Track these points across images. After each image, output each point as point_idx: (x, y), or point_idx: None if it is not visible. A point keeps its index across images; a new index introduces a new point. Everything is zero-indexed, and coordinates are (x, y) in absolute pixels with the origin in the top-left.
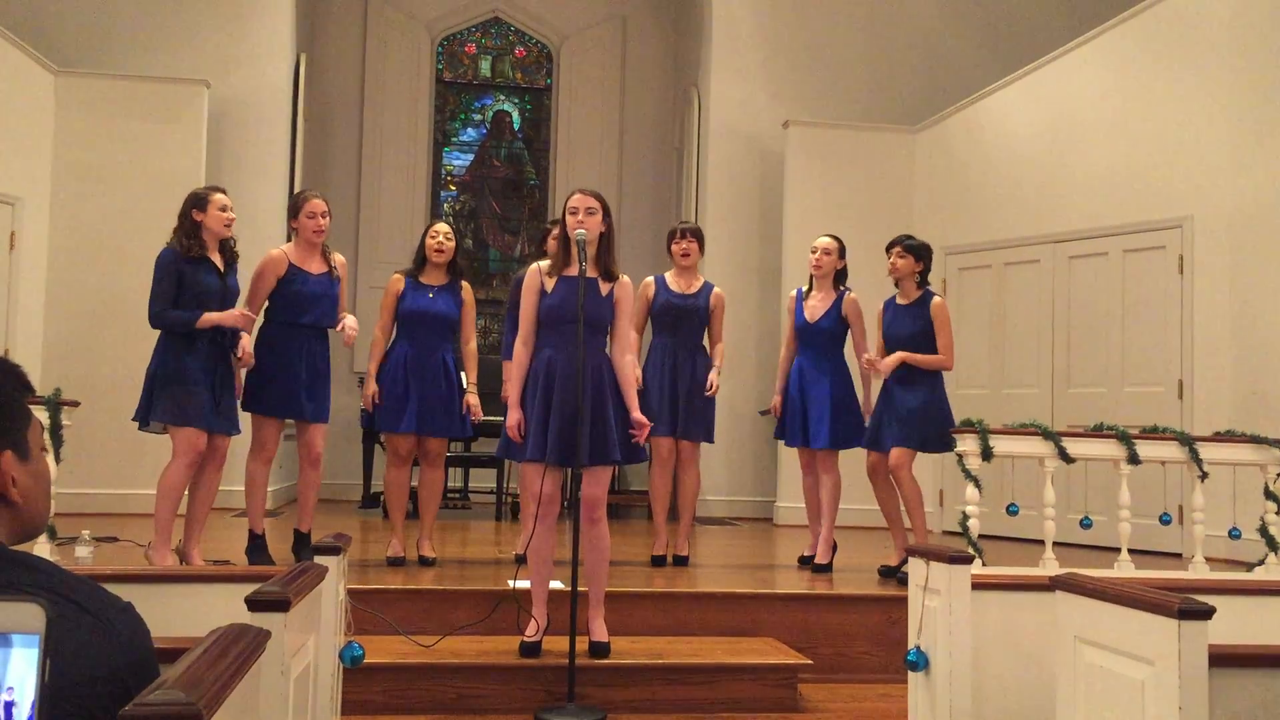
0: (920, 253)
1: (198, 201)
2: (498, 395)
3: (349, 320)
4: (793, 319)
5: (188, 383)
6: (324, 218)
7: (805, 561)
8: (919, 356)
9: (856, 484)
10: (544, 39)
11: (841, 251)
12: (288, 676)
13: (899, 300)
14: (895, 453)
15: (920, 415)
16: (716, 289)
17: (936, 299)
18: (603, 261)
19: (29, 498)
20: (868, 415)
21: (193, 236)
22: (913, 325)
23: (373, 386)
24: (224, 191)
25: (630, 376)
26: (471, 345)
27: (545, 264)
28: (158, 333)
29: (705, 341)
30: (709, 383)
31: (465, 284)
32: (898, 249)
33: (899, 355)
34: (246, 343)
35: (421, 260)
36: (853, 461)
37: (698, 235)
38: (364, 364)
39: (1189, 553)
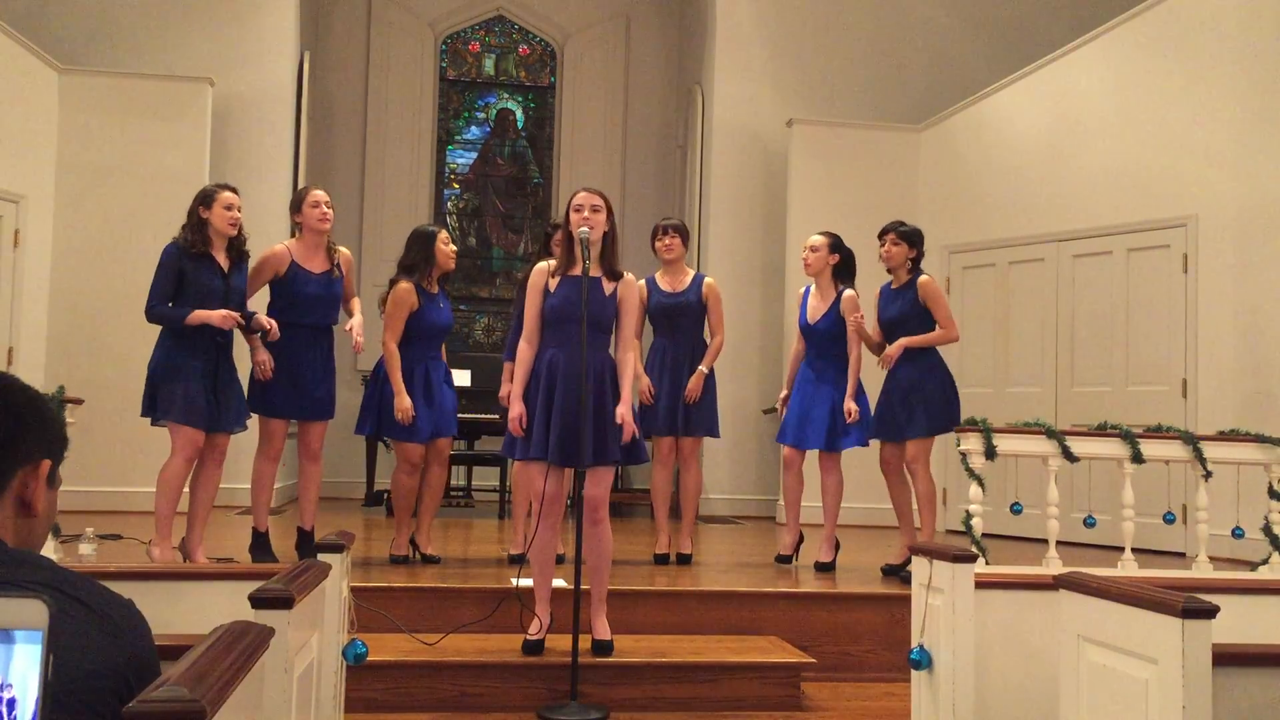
0: (913, 239)
1: (205, 198)
2: (498, 394)
3: (356, 324)
4: (798, 316)
5: (186, 379)
6: (327, 207)
7: (783, 560)
8: (919, 338)
9: (858, 483)
10: (548, 37)
11: (833, 247)
12: (291, 674)
13: (892, 286)
14: (911, 446)
15: (925, 397)
16: (708, 279)
17: (923, 277)
18: (606, 261)
19: (42, 520)
20: (851, 408)
21: (197, 233)
22: (900, 309)
23: (407, 400)
24: (234, 190)
25: (629, 374)
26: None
27: (551, 263)
28: (159, 330)
29: (707, 335)
30: (688, 387)
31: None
32: (890, 236)
33: (900, 343)
34: (262, 320)
35: (429, 268)
36: (853, 461)
37: (680, 230)
38: (366, 362)
39: (1193, 552)
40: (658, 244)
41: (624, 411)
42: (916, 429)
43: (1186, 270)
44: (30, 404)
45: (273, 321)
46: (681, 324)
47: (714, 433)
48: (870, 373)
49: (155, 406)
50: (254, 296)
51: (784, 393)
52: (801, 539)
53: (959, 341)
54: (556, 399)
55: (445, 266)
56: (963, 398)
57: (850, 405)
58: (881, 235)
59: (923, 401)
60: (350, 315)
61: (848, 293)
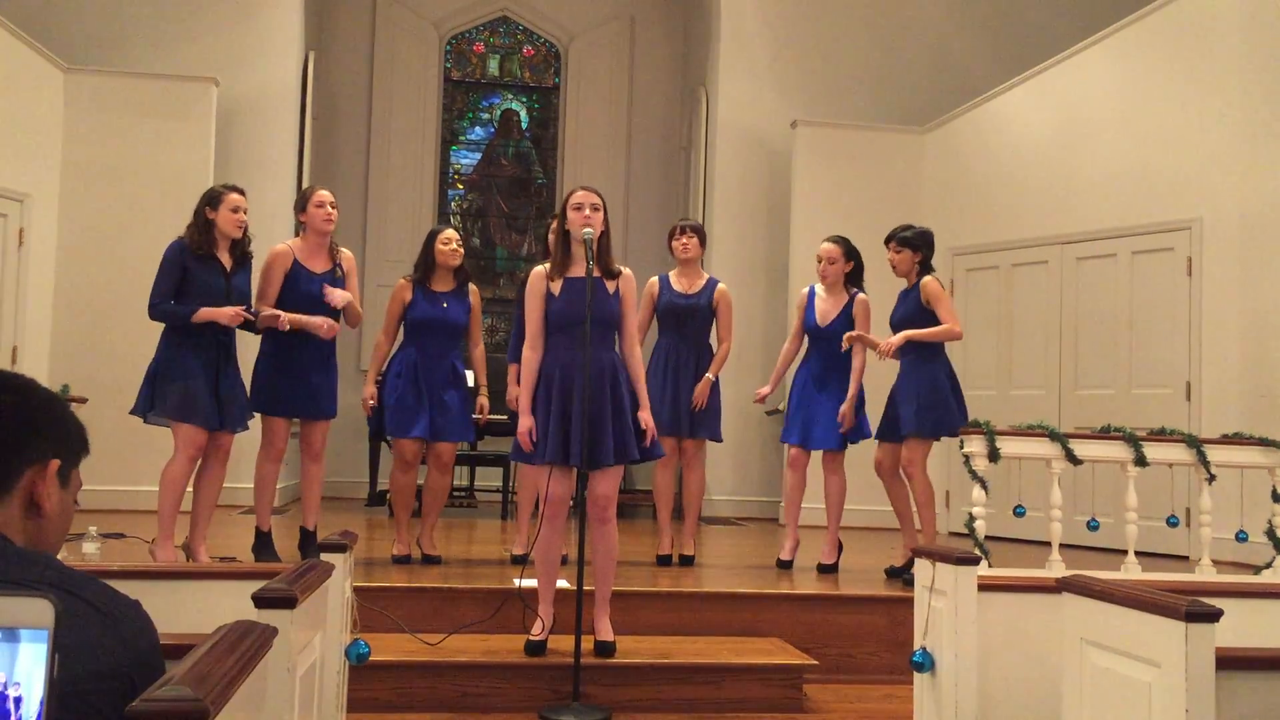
0: (915, 243)
1: (212, 199)
2: (504, 395)
3: (337, 292)
4: (801, 317)
5: (188, 378)
6: (332, 207)
7: (784, 565)
8: (920, 331)
9: (860, 485)
10: (552, 38)
11: (847, 254)
12: (294, 673)
13: (905, 288)
14: (906, 449)
15: (914, 398)
16: (721, 285)
17: (925, 278)
18: (603, 260)
19: (52, 521)
20: (846, 413)
21: (203, 233)
22: (905, 310)
23: (371, 389)
24: (241, 192)
25: (641, 372)
26: (480, 349)
27: (548, 265)
28: (161, 328)
29: (713, 340)
30: (695, 394)
31: (473, 287)
32: (893, 244)
33: (903, 334)
34: (268, 315)
35: (430, 266)
36: (855, 462)
37: (698, 231)
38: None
39: (1196, 555)
40: (674, 243)
41: (647, 416)
42: (906, 428)
43: (1191, 273)
44: (44, 405)
45: (281, 312)
46: (689, 326)
47: (716, 437)
48: (874, 377)
49: (151, 404)
50: (272, 299)
51: (767, 389)
52: (797, 544)
53: (962, 341)
54: (574, 403)
55: (445, 264)
56: (966, 400)
57: (846, 410)
58: (886, 242)
59: (912, 401)
60: (350, 324)
61: (860, 296)
